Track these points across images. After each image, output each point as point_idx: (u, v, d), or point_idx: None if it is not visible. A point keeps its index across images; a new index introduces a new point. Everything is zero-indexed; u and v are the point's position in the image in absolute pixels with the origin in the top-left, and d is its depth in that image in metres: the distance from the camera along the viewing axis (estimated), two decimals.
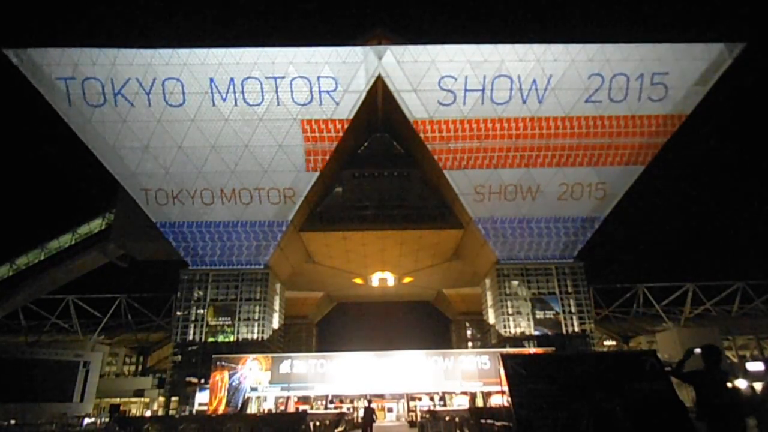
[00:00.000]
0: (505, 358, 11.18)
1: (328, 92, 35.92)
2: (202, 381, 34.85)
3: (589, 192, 38.05)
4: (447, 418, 24.36)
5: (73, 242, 45.22)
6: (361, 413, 32.43)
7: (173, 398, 37.20)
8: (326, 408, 34.80)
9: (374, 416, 25.20)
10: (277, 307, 42.63)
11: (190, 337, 37.62)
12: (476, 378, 33.43)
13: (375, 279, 52.99)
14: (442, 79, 35.64)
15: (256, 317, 38.45)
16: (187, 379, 36.24)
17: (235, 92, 35.58)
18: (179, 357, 37.31)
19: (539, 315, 38.72)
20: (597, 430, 9.70)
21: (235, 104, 35.83)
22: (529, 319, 38.57)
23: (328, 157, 37.01)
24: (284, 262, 42.78)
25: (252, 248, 38.84)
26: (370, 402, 27.11)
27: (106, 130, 36.11)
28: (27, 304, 46.91)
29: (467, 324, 62.25)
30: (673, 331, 46.75)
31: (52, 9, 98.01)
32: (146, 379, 47.74)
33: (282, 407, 34.30)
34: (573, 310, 38.76)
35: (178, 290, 38.89)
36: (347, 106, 36.08)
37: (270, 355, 34.88)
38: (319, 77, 35.60)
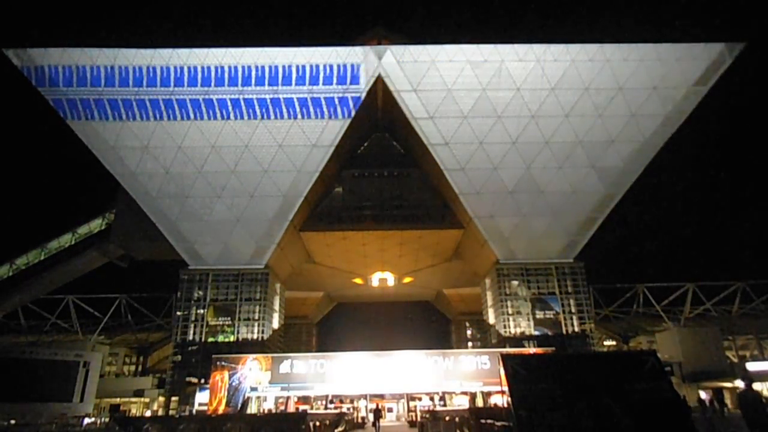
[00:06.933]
0: (505, 358, 11.17)
1: (328, 92, 35.96)
2: (202, 381, 34.85)
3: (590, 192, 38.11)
4: (447, 418, 24.33)
5: (73, 242, 45.23)
6: (363, 413, 35.95)
7: (173, 398, 37.19)
8: (326, 408, 34.79)
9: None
10: (277, 307, 42.63)
11: (190, 337, 37.62)
12: (476, 378, 33.41)
13: (375, 279, 52.99)
14: (442, 78, 35.72)
15: (256, 317, 38.45)
16: (187, 379, 36.24)
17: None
18: (179, 357, 37.31)
19: (539, 315, 38.71)
20: (597, 430, 9.70)
21: (235, 104, 35.86)
22: (529, 319, 38.56)
23: (328, 157, 37.03)
24: (284, 262, 42.78)
25: (252, 248, 38.81)
26: (376, 405, 31.76)
27: (106, 130, 36.16)
28: (27, 304, 46.92)
29: (467, 324, 62.29)
30: (673, 331, 46.72)
31: (52, 9, 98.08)
32: (146, 379, 47.69)
33: (282, 407, 34.29)
34: (573, 310, 38.76)
35: (178, 290, 38.90)
36: (347, 107, 36.10)
37: (270, 355, 34.89)
38: (318, 77, 35.64)
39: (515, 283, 39.62)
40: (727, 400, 35.36)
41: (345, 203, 42.98)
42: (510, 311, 39.02)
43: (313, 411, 32.15)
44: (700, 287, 49.05)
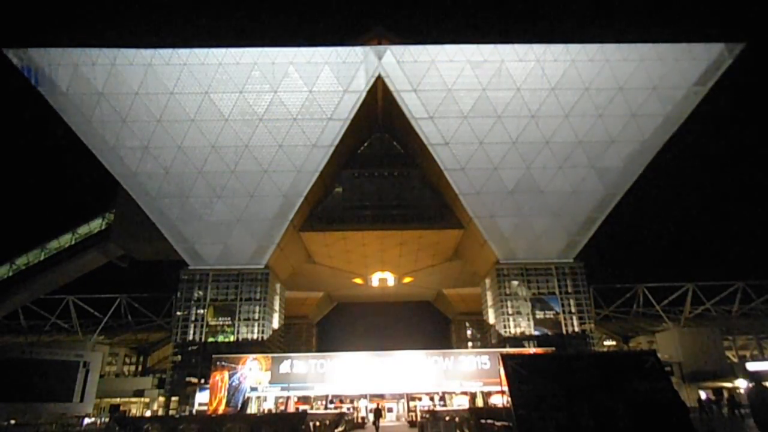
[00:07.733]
0: (505, 358, 11.19)
1: (327, 92, 35.96)
2: (202, 381, 34.85)
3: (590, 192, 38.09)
4: (447, 418, 24.33)
5: (73, 242, 45.21)
6: (363, 413, 36.09)
7: (173, 398, 37.18)
8: (326, 408, 34.79)
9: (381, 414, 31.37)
10: (277, 307, 42.62)
11: (190, 337, 37.61)
12: (476, 378, 33.41)
13: (375, 279, 52.97)
14: (442, 78, 35.72)
15: (256, 317, 38.44)
16: (187, 379, 36.24)
17: (234, 92, 35.71)
18: (179, 357, 37.32)
19: (539, 315, 38.69)
20: (597, 430, 9.70)
21: (235, 104, 35.85)
22: (529, 319, 38.55)
23: (328, 157, 37.02)
24: (284, 262, 42.77)
25: (252, 248, 38.80)
26: (377, 405, 32.48)
27: (106, 130, 36.16)
28: (27, 304, 46.91)
29: (467, 324, 62.26)
30: (673, 331, 46.68)
31: (52, 9, 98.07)
32: (146, 379, 47.63)
33: (282, 407, 34.29)
34: (573, 310, 38.74)
35: (178, 290, 38.87)
36: (347, 106, 36.10)
37: (270, 355, 34.87)
38: (319, 77, 35.63)
39: (515, 283, 39.61)
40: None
41: (345, 203, 42.96)
42: (510, 311, 39.01)
43: (313, 411, 32.17)
44: (700, 287, 49.00)
